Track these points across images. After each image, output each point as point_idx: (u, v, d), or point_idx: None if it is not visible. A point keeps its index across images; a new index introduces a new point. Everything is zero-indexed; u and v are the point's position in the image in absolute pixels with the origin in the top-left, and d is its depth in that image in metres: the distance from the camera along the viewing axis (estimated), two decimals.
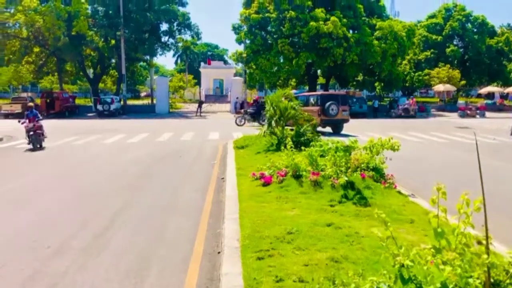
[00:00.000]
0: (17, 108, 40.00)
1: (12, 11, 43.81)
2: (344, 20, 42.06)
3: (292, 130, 14.66)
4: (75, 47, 44.83)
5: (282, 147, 13.60)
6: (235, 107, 44.81)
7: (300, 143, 13.60)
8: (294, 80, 53.07)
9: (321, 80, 56.10)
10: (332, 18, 40.95)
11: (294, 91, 38.40)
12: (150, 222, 7.23)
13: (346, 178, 8.20)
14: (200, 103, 44.77)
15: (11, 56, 47.99)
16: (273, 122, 14.10)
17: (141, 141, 19.71)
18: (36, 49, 49.21)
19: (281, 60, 44.32)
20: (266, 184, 8.81)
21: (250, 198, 7.93)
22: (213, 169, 12.09)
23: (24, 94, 50.50)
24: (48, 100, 41.09)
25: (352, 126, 25.74)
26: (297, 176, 8.78)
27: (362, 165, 9.10)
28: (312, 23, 40.25)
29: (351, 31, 43.41)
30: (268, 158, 12.23)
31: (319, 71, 49.37)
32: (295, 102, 14.50)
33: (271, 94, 16.41)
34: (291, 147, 9.65)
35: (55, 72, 53.16)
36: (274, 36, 43.26)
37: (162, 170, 12.06)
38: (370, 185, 8.32)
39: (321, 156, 11.70)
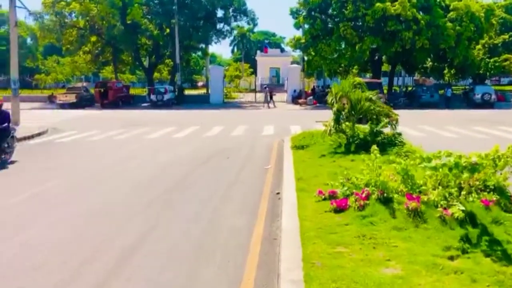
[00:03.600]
0: (72, 98, 39.59)
1: (68, 0, 43.45)
2: (414, 0, 38.08)
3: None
4: (130, 36, 43.84)
5: (352, 148, 10.99)
6: (291, 96, 42.13)
7: (375, 144, 10.84)
8: (356, 67, 49.45)
9: (385, 67, 52.11)
10: None
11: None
12: (168, 275, 4.90)
13: (463, 208, 5.46)
14: (267, 92, 39.33)
15: (68, 46, 47.91)
16: (341, 117, 11.40)
17: (188, 136, 17.63)
18: (93, 39, 48.82)
19: (343, 46, 41.03)
20: (340, 209, 6.22)
21: (317, 235, 5.40)
22: (265, 177, 9.62)
23: (80, 84, 50.37)
24: (101, 90, 40.40)
25: (433, 118, 22.43)
26: (386, 200, 6.11)
27: (477, 182, 6.29)
28: (378, 4, 36.62)
29: (421, 13, 39.23)
30: (337, 164, 9.63)
31: (383, 57, 45.50)
32: (371, 92, 11.68)
33: (335, 83, 13.65)
34: (375, 152, 6.70)
35: (112, 62, 52.80)
36: (336, 19, 39.97)
37: (203, 177, 9.75)
38: (498, 217, 5.54)
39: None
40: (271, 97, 38.94)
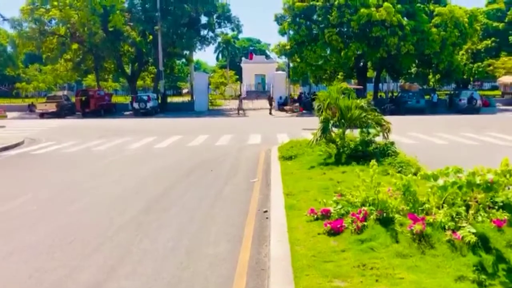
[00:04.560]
0: (52, 107, 38.52)
1: (48, 7, 42.36)
2: (399, 6, 38.05)
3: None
4: (112, 43, 42.96)
5: (343, 158, 10.38)
6: (278, 103, 41.61)
7: (366, 155, 10.28)
8: (341, 73, 49.18)
9: (370, 73, 51.96)
10: (385, 4, 37.05)
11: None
12: None
13: (474, 230, 4.84)
14: (241, 100, 40.66)
15: (49, 54, 46.76)
16: (330, 126, 10.79)
17: (170, 146, 16.85)
18: (74, 46, 47.72)
19: (328, 52, 40.67)
20: (335, 232, 5.56)
21: (311, 264, 4.74)
22: (252, 192, 8.92)
23: (60, 93, 49.18)
24: (83, 99, 39.38)
25: (421, 124, 22.00)
26: (386, 221, 5.47)
27: (485, 199, 5.69)
28: (363, 10, 36.43)
29: (406, 18, 39.18)
30: (327, 177, 8.99)
31: (369, 63, 45.29)
32: (362, 100, 11.08)
33: (323, 90, 13.05)
34: (374, 168, 5.99)
35: (94, 69, 51.71)
36: (321, 25, 39.62)
37: (183, 195, 9.00)
38: None
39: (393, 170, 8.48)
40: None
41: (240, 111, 38.55)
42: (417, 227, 5.00)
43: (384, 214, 5.54)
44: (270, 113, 37.55)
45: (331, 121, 10.77)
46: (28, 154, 16.04)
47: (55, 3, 41.47)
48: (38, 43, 44.02)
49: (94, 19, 40.39)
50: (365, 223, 5.51)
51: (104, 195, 9.09)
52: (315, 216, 6.23)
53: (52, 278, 5.10)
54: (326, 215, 6.16)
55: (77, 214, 7.75)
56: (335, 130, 11.22)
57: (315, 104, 11.64)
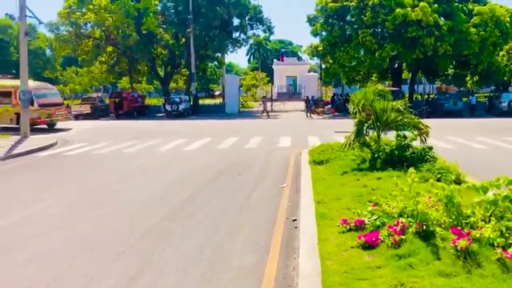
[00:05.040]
0: (86, 109, 39.30)
1: (83, 10, 43.24)
2: (435, 5, 36.85)
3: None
4: (145, 46, 43.42)
5: (378, 164, 9.87)
6: (310, 105, 40.97)
7: (402, 160, 9.74)
8: (375, 75, 48.12)
9: (405, 74, 50.63)
10: (421, 4, 35.93)
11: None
12: None
13: None
14: (265, 102, 39.62)
15: (84, 56, 47.78)
16: (364, 129, 10.29)
17: (200, 149, 16.66)
18: (109, 49, 48.57)
19: (362, 53, 39.86)
20: (370, 246, 5.12)
21: (343, 282, 4.33)
22: (281, 198, 8.53)
23: (95, 95, 50.13)
24: (116, 101, 40.00)
25: (459, 128, 21.08)
26: (426, 235, 5.00)
27: None
28: (398, 10, 35.48)
29: (443, 18, 37.96)
30: (361, 183, 8.51)
31: (404, 64, 44.09)
32: (398, 102, 10.51)
33: (358, 91, 12.53)
34: (413, 176, 5.49)
35: (128, 72, 52.50)
36: (354, 26, 38.83)
37: (210, 200, 8.69)
38: None
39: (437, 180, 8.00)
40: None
41: (264, 113, 37.96)
42: (462, 242, 4.51)
43: (424, 227, 5.06)
44: (309, 116, 36.33)
45: (366, 124, 10.25)
46: (60, 155, 16.19)
47: (91, 6, 42.25)
48: (74, 46, 45.01)
49: (128, 22, 40.93)
50: (403, 237, 5.05)
51: (130, 200, 8.90)
52: (348, 227, 5.81)
53: None
54: (360, 226, 5.72)
55: (100, 219, 7.57)
56: (370, 133, 10.70)
57: (350, 106, 11.14)
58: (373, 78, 50.00)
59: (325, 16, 39.55)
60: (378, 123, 10.28)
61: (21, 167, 14.04)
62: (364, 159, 10.23)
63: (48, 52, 75.33)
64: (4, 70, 57.62)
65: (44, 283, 5.04)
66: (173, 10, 45.29)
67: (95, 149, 17.39)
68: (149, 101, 52.05)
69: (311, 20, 41.94)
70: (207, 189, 9.72)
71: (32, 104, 23.91)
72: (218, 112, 41.65)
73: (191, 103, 42.39)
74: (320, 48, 40.24)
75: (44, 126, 25.59)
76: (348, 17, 39.57)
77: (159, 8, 45.65)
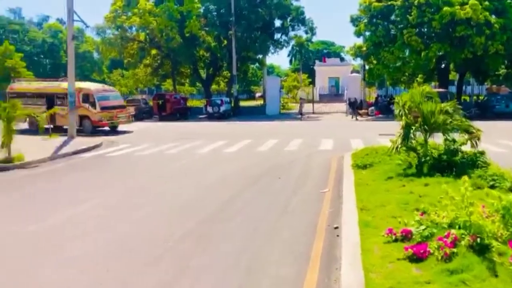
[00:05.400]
0: (131, 111, 40.14)
1: (129, 14, 44.30)
2: (486, 3, 35.16)
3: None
4: (188, 48, 44.00)
5: (425, 169, 9.38)
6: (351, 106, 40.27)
7: (451, 165, 9.21)
8: (421, 75, 46.66)
9: (452, 75, 48.80)
10: (471, 1, 34.42)
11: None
12: None
13: None
14: (301, 103, 39.42)
15: (129, 59, 48.99)
16: (411, 133, 9.82)
17: (240, 151, 16.56)
18: (153, 52, 49.57)
19: (407, 53, 38.74)
20: (418, 258, 4.78)
21: None
22: (321, 204, 8.25)
23: (139, 97, 51.20)
24: (160, 102, 40.67)
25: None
26: (481, 249, 4.60)
27: None
28: (446, 9, 34.16)
29: (494, 16, 36.24)
30: (407, 190, 8.08)
31: (451, 65, 42.50)
32: (447, 104, 9.96)
33: (404, 92, 12.00)
34: (466, 185, 5.06)
35: (171, 74, 53.39)
36: (399, 26, 37.71)
37: (249, 204, 8.53)
38: None
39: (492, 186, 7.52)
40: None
41: (299, 115, 37.53)
42: None
43: (479, 240, 4.67)
44: (355, 118, 35.46)
45: (413, 127, 9.78)
46: (104, 156, 16.51)
47: (136, 10, 43.21)
48: (120, 49, 46.21)
49: (171, 25, 41.59)
50: (455, 250, 4.68)
51: (169, 202, 8.87)
52: (394, 237, 5.47)
53: None
54: (406, 236, 5.37)
55: (139, 222, 7.56)
56: (418, 136, 10.21)
57: (395, 109, 10.69)
58: (418, 79, 48.49)
59: (369, 16, 38.68)
60: (425, 126, 9.77)
61: (66, 167, 14.41)
62: (410, 164, 9.76)
63: (95, 55, 77.76)
64: (55, 72, 60.09)
65: (80, 286, 5.00)
66: (215, 13, 45.67)
67: (138, 150, 17.64)
68: (191, 103, 52.65)
69: (354, 20, 41.17)
70: (246, 192, 9.57)
71: (94, 106, 24.48)
72: (258, 113, 41.57)
73: (232, 105, 42.54)
74: (364, 49, 39.42)
75: (106, 128, 25.68)
76: (393, 17, 38.54)
77: (201, 11, 46.11)
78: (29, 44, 69.82)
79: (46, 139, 20.58)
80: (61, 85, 25.78)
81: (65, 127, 23.88)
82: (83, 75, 61.34)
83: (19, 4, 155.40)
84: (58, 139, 20.62)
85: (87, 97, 24.93)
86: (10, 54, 50.33)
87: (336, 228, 6.67)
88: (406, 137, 9.65)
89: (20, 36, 70.32)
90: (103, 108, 24.86)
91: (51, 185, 11.47)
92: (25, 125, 24.00)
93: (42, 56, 71.28)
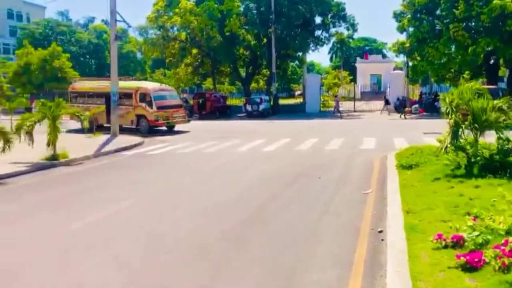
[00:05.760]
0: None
1: (170, 14, 44.88)
2: None
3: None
4: (228, 47, 44.16)
5: (475, 170, 8.85)
6: (395, 105, 39.25)
7: (504, 166, 8.64)
8: (467, 72, 44.87)
9: (502, 71, 46.63)
10: None
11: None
12: None
13: None
14: (337, 100, 39.40)
15: (171, 58, 49.68)
16: (460, 131, 9.29)
17: (278, 150, 16.32)
18: (194, 51, 50.05)
19: (453, 49, 37.27)
20: (471, 267, 4.41)
21: None
22: (364, 206, 7.90)
23: (180, 96, 51.78)
24: (200, 101, 41.06)
25: None
26: None
27: None
28: (496, 2, 32.54)
29: None
30: (456, 192, 7.62)
31: (501, 60, 40.58)
32: (501, 100, 9.36)
33: (453, 89, 11.40)
34: None
35: (211, 73, 53.77)
36: (445, 20, 36.32)
37: (288, 205, 8.29)
38: None
39: None
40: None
41: (338, 113, 37.16)
42: None
43: None
44: (403, 117, 34.45)
45: (463, 126, 9.25)
46: (144, 154, 16.68)
47: (177, 10, 43.71)
48: (162, 48, 46.91)
49: (211, 24, 41.81)
50: None
51: (206, 202, 8.76)
52: (444, 243, 5.10)
53: None
54: (458, 243, 5.00)
55: (176, 222, 7.49)
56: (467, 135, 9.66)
57: (442, 106, 10.17)
58: (465, 75, 46.68)
59: (413, 11, 37.46)
60: (475, 125, 9.23)
61: (108, 165, 14.64)
62: (459, 164, 9.24)
63: (138, 55, 79.45)
64: (99, 72, 61.82)
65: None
66: (255, 11, 45.57)
67: (178, 148, 17.73)
68: (231, 102, 52.85)
69: (397, 16, 39.97)
70: (285, 192, 9.33)
71: (151, 106, 23.86)
72: (298, 112, 41.18)
73: (271, 103, 42.34)
74: (407, 45, 38.27)
75: (164, 128, 24.90)
76: (438, 11, 37.15)
77: (241, 9, 46.13)
78: (75, 45, 72.05)
79: (90, 137, 21.05)
80: (120, 85, 25.34)
81: (124, 126, 23.73)
82: (127, 75, 62.69)
83: (67, 6, 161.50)
84: (102, 137, 21.02)
85: (144, 96, 24.29)
86: (58, 54, 52.02)
87: (381, 232, 6.33)
88: (455, 136, 9.13)
89: (67, 37, 72.66)
90: (160, 108, 24.09)
91: (92, 183, 11.64)
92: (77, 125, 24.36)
93: (87, 57, 73.38)
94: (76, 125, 23.39)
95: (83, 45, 73.51)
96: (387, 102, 38.60)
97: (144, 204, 8.88)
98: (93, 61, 74.64)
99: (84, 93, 26.98)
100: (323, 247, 5.94)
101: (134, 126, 24.21)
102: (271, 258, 5.60)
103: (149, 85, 26.32)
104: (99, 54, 73.44)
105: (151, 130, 23.87)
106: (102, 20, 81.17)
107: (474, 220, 5.39)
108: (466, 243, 4.92)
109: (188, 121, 26.00)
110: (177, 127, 25.38)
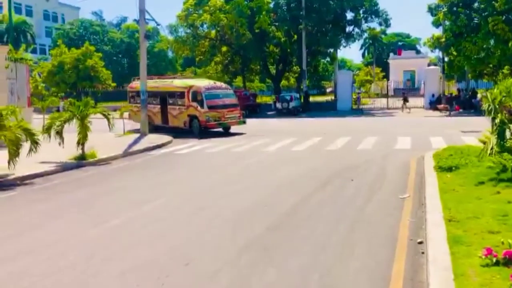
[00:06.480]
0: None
1: (200, 12, 44.82)
2: None
3: None
4: (257, 44, 43.82)
5: None
6: (430, 101, 38.01)
7: None
8: (507, 67, 42.98)
9: None
10: None
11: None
12: None
13: None
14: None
15: (201, 57, 49.73)
16: (507, 133, 8.57)
17: (308, 149, 15.81)
18: (224, 49, 49.89)
19: (492, 43, 35.69)
20: None
21: None
22: (401, 212, 7.33)
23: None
24: None
25: None
26: None
27: None
28: None
29: None
30: (504, 198, 7.05)
31: None
32: None
33: (498, 85, 10.60)
34: None
35: (240, 71, 53.52)
36: (483, 13, 34.84)
37: (318, 211, 7.79)
38: None
39: None
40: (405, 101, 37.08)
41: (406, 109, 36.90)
42: None
43: None
44: (448, 114, 33.43)
45: (510, 125, 8.54)
46: (172, 154, 16.49)
47: (207, 8, 43.63)
48: (192, 47, 46.92)
49: (241, 21, 41.49)
50: None
51: (234, 205, 8.39)
52: (494, 259, 4.54)
53: None
54: (511, 259, 4.42)
55: (201, 227, 7.13)
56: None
57: (483, 103, 9.45)
58: (504, 71, 44.78)
59: (449, 4, 36.09)
60: None
61: (136, 165, 14.50)
62: (505, 167, 8.53)
63: (169, 53, 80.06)
64: (132, 71, 62.55)
65: None
66: (285, 7, 44.94)
67: (206, 148, 17.47)
68: (261, 99, 52.46)
69: (432, 10, 38.62)
70: (315, 196, 8.84)
71: (202, 105, 21.83)
72: (329, 109, 40.39)
73: (302, 100, 41.69)
74: (443, 40, 36.90)
75: (220, 129, 22.90)
76: (476, 4, 35.69)
77: (271, 6, 45.64)
78: (108, 44, 73.32)
79: (120, 136, 21.07)
80: (173, 83, 24.44)
81: (179, 127, 22.87)
82: (158, 74, 63.24)
83: (101, 7, 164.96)
84: (131, 136, 21.01)
85: (195, 95, 22.23)
86: (91, 54, 52.93)
87: (420, 243, 5.78)
88: (501, 136, 8.43)
89: (101, 37, 74.02)
90: (211, 107, 21.94)
91: (118, 183, 11.46)
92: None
93: (120, 56, 74.58)
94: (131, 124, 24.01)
95: (115, 44, 74.74)
96: (405, 100, 37.82)
97: (168, 207, 8.57)
98: (125, 60, 75.79)
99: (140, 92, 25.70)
100: (356, 260, 5.42)
101: (187, 127, 22.53)
102: (300, 273, 5.13)
103: (201, 83, 23.92)
104: (131, 53, 74.41)
105: (203, 131, 21.86)
106: (134, 20, 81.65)
107: None
108: None
109: (244, 122, 23.48)
110: (233, 129, 23.28)
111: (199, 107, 21.88)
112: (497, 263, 4.51)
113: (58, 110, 24.77)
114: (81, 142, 14.71)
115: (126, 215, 7.97)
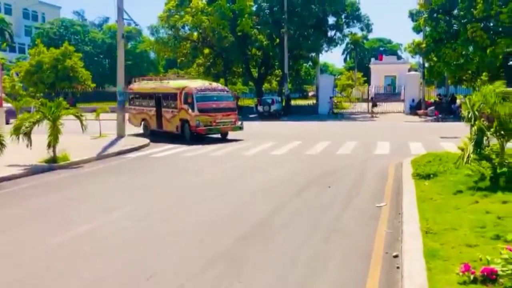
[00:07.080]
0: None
1: (182, 13, 44.32)
2: None
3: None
4: (240, 47, 43.57)
5: (502, 182, 8.00)
6: (410, 106, 38.26)
7: None
8: (485, 73, 43.55)
9: None
10: None
11: None
12: None
13: None
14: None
15: (182, 58, 49.24)
16: (484, 140, 8.42)
17: (287, 154, 15.55)
18: (206, 51, 49.46)
19: (471, 50, 36.10)
20: None
21: None
22: (377, 223, 7.08)
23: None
24: None
25: None
26: None
27: None
28: None
29: None
30: (482, 208, 6.81)
31: None
32: None
33: (476, 92, 10.49)
34: None
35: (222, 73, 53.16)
36: (463, 20, 35.23)
37: (293, 219, 7.48)
38: None
39: None
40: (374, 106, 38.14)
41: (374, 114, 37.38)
42: None
43: None
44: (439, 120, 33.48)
45: (488, 133, 8.40)
46: (148, 157, 16.06)
47: (188, 9, 43.16)
48: (173, 48, 46.39)
49: (223, 24, 41.15)
50: None
51: (204, 214, 8.02)
52: (472, 277, 4.28)
53: None
54: (489, 277, 4.18)
55: (168, 237, 6.74)
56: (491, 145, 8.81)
57: (463, 110, 9.32)
58: (482, 77, 45.42)
59: (430, 11, 36.39)
60: (502, 132, 8.37)
61: (109, 168, 14.02)
62: (483, 176, 8.38)
63: (152, 55, 79.23)
64: (113, 72, 61.49)
65: None
66: (267, 11, 44.82)
67: (183, 151, 17.06)
68: (243, 102, 52.16)
69: (413, 16, 39.00)
70: (290, 204, 8.54)
71: (193, 108, 19.77)
72: (310, 113, 40.32)
73: (283, 104, 41.56)
74: (423, 45, 37.17)
75: (217, 135, 21.14)
76: (456, 11, 36.10)
77: (254, 9, 45.43)
78: (89, 45, 72.15)
79: (95, 138, 20.52)
80: (169, 84, 22.53)
81: (174, 132, 21.10)
82: (140, 75, 62.32)
83: (83, 7, 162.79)
84: (106, 139, 20.45)
85: (187, 97, 20.13)
86: (70, 54, 51.96)
87: (396, 257, 5.52)
88: (478, 144, 8.27)
89: (81, 37, 72.81)
90: (202, 111, 19.84)
91: (88, 188, 10.97)
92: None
93: (101, 56, 73.44)
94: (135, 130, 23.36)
95: (97, 44, 73.61)
96: (374, 105, 38.52)
97: (136, 215, 8.15)
98: (107, 60, 74.67)
99: (139, 94, 24.33)
100: (329, 275, 5.12)
101: (179, 132, 20.68)
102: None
103: (193, 84, 21.66)
104: (112, 54, 73.13)
105: (195, 137, 19.95)
106: (116, 21, 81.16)
107: (510, 249, 4.56)
108: (500, 279, 4.11)
109: (240, 128, 21.45)
110: (231, 135, 21.39)
111: (189, 110, 19.86)
112: (474, 281, 4.26)
113: (29, 111, 24.03)
114: (52, 144, 14.16)
115: (90, 224, 7.54)
